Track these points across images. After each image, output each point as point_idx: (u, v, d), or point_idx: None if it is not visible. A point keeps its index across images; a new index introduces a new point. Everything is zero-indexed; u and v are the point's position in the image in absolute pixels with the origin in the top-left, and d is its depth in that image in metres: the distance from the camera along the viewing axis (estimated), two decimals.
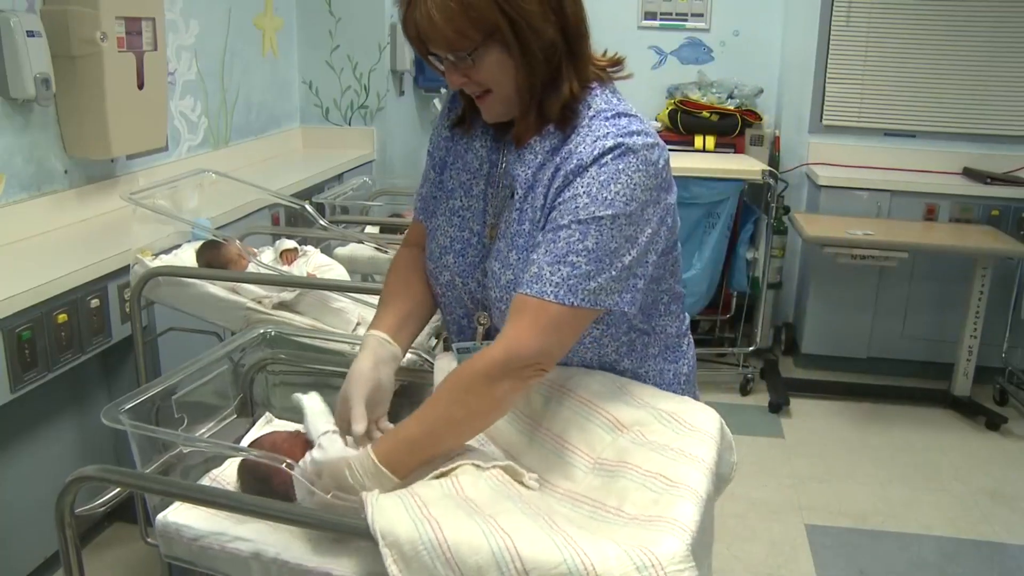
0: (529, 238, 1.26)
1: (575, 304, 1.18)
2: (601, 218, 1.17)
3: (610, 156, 1.19)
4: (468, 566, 0.99)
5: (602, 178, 1.18)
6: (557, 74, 1.22)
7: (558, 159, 1.24)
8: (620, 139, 1.19)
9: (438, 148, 1.42)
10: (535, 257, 1.21)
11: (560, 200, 1.21)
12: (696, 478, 1.15)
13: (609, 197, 1.18)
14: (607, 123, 1.22)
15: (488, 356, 1.19)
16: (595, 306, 1.20)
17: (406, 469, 1.16)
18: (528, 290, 1.19)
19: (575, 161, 1.21)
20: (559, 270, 1.18)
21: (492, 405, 1.20)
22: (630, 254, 1.20)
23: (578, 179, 1.20)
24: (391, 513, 1.05)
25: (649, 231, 1.22)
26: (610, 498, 1.16)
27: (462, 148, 1.38)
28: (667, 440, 1.23)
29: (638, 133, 1.21)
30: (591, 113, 1.24)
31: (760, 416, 3.68)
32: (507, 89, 1.22)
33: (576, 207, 1.18)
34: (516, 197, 1.29)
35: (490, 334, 1.35)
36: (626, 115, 1.24)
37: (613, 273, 1.19)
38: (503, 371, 1.17)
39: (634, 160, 1.19)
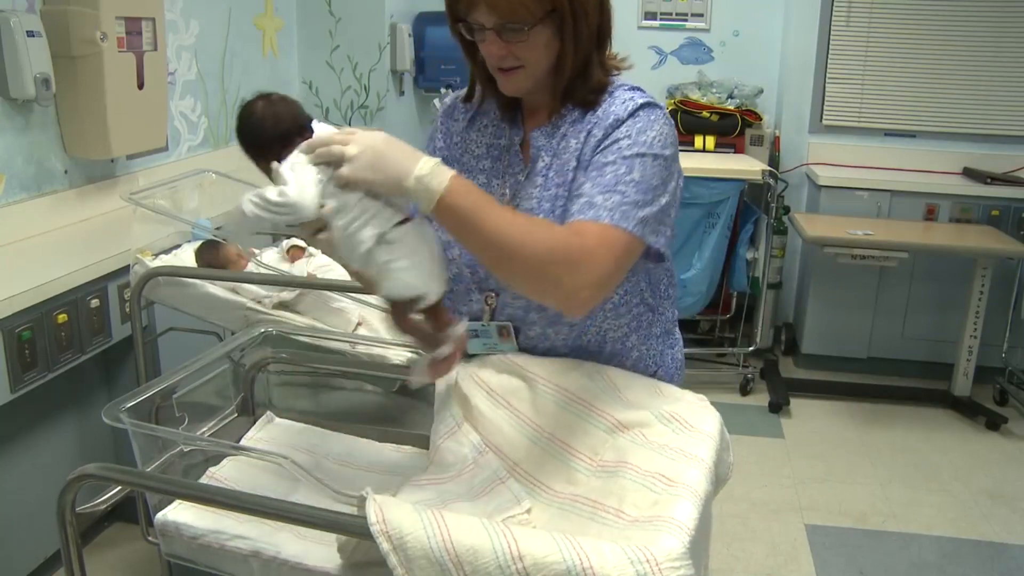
0: (558, 200, 1.31)
1: (629, 229, 1.21)
2: (644, 155, 1.26)
3: (642, 111, 1.30)
4: (469, 561, 0.99)
5: (639, 125, 1.28)
6: (588, 62, 1.30)
7: (589, 125, 1.32)
8: (647, 99, 1.32)
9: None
10: (582, 192, 1.25)
11: (601, 148, 1.28)
12: (695, 477, 1.15)
13: (647, 140, 1.27)
14: (627, 92, 1.33)
15: (580, 243, 1.17)
16: (643, 237, 1.23)
17: (443, 215, 1.14)
18: (583, 216, 1.21)
19: (612, 118, 1.30)
20: (611, 198, 1.22)
21: (542, 279, 1.17)
22: (665, 197, 1.27)
23: (616, 131, 1.29)
24: (396, 510, 1.05)
25: (677, 183, 1.31)
26: (610, 498, 1.16)
27: (459, 152, 1.43)
28: (667, 440, 1.23)
29: (655, 100, 1.34)
30: (609, 89, 1.34)
31: (760, 416, 3.68)
32: (541, 68, 1.29)
33: (619, 147, 1.27)
34: (541, 166, 1.34)
35: (496, 313, 1.38)
36: (640, 90, 1.35)
37: (655, 209, 1.25)
38: (578, 269, 1.16)
39: (661, 115, 1.31)
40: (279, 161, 1.21)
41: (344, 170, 1.15)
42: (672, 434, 1.25)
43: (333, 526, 1.11)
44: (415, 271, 1.22)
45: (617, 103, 1.31)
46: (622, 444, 1.24)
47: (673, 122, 1.35)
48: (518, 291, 1.28)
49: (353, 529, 1.08)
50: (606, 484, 1.19)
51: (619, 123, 1.28)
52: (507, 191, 1.37)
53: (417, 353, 1.75)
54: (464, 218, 1.14)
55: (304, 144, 1.19)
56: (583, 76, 1.31)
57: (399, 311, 1.27)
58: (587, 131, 1.31)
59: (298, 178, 1.18)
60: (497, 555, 0.98)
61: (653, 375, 1.44)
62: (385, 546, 1.01)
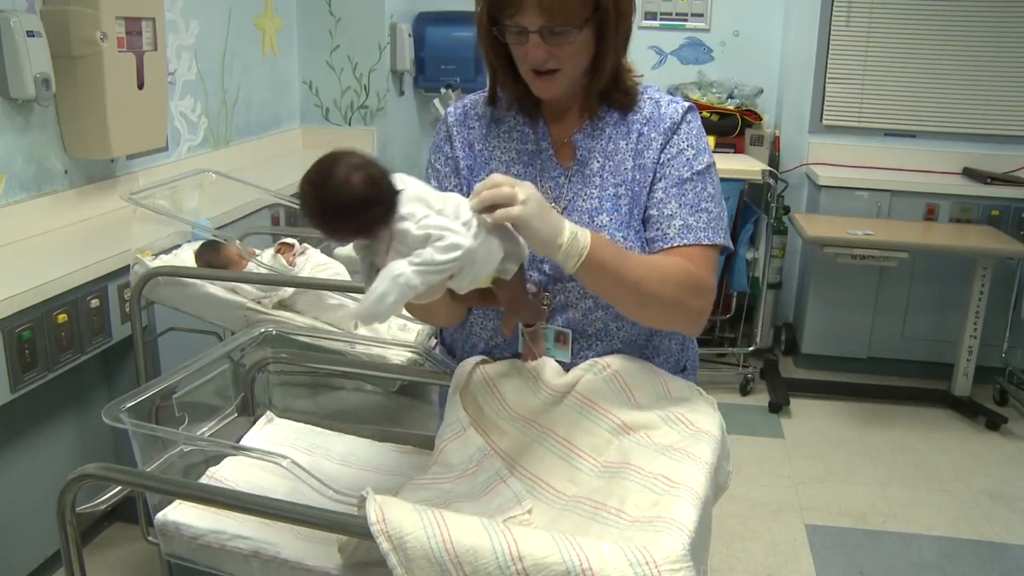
0: (622, 198, 1.34)
1: (719, 243, 1.33)
2: (710, 166, 1.36)
3: (690, 115, 1.37)
4: (469, 562, 0.99)
5: (694, 132, 1.36)
6: (618, 64, 1.33)
7: (636, 126, 1.36)
8: (686, 103, 1.37)
9: (459, 171, 1.41)
10: (671, 212, 1.32)
11: (666, 155, 1.35)
12: (696, 478, 1.15)
13: (705, 147, 1.36)
14: (658, 93, 1.40)
15: (687, 269, 1.28)
16: (726, 243, 1.35)
17: (585, 267, 1.17)
18: (683, 240, 1.31)
19: (668, 121, 1.36)
20: (700, 217, 1.32)
21: (676, 306, 1.27)
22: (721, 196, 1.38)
23: (675, 136, 1.35)
24: (396, 510, 1.05)
25: None
26: (611, 499, 1.16)
27: (483, 159, 1.40)
28: (671, 441, 1.23)
29: None
30: (639, 89, 1.39)
31: (760, 416, 3.68)
32: (578, 70, 1.30)
33: (688, 159, 1.34)
34: (595, 167, 1.36)
35: (553, 315, 1.36)
36: (657, 88, 1.41)
37: (724, 212, 1.37)
38: (698, 287, 1.28)
39: (700, 119, 1.39)
40: (383, 226, 1.14)
41: (516, 211, 1.11)
42: (676, 435, 1.25)
43: (333, 526, 1.11)
44: (508, 233, 1.20)
45: (664, 104, 1.37)
46: (627, 446, 1.24)
47: None
48: (648, 323, 1.34)
49: (353, 529, 1.08)
50: (608, 485, 1.19)
51: (675, 126, 1.35)
52: (547, 195, 1.36)
53: (417, 353, 1.75)
54: (610, 268, 1.20)
55: (478, 185, 1.13)
56: (614, 78, 1.34)
57: (515, 287, 1.26)
58: (637, 132, 1.36)
59: (448, 224, 1.13)
60: (497, 555, 0.98)
61: (683, 368, 1.47)
62: (385, 546, 1.01)
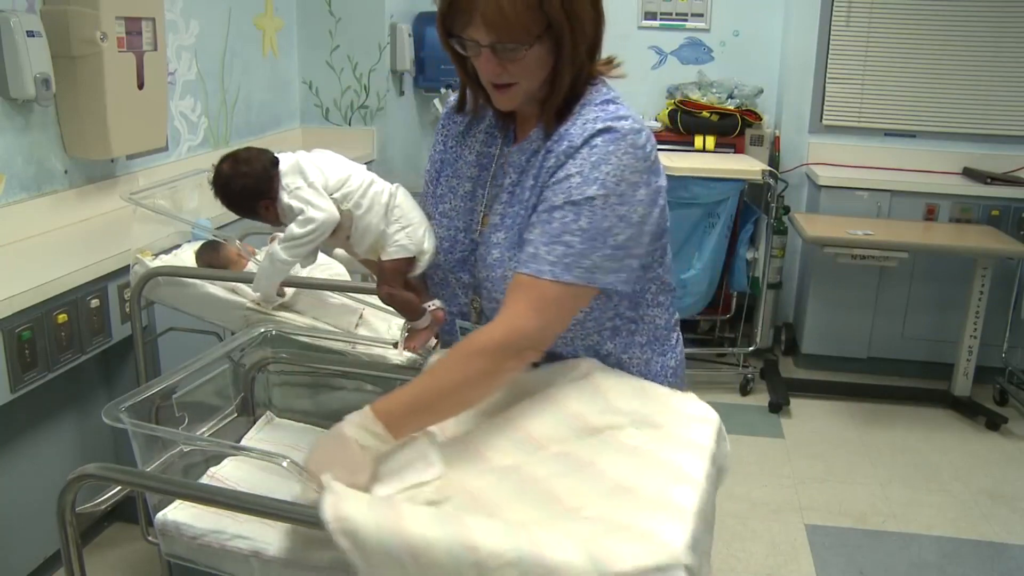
0: (517, 218, 1.30)
1: (570, 281, 1.21)
2: (593, 198, 1.21)
3: (600, 139, 1.23)
4: (422, 552, 0.99)
5: (593, 159, 1.23)
6: (578, 77, 1.27)
7: (549, 143, 1.29)
8: (608, 123, 1.24)
9: (434, 163, 1.47)
10: (531, 238, 1.24)
11: (553, 180, 1.25)
12: (688, 494, 1.12)
13: (600, 177, 1.22)
14: (596, 108, 1.28)
15: (489, 334, 1.22)
16: (590, 283, 1.23)
17: (401, 430, 1.19)
18: (525, 269, 1.23)
19: (566, 143, 1.26)
20: (555, 249, 1.22)
21: (490, 380, 1.23)
22: (624, 233, 1.24)
23: (570, 161, 1.24)
24: (351, 502, 1.05)
25: (641, 211, 1.25)
26: (569, 496, 1.13)
27: (452, 156, 1.43)
28: (640, 442, 1.22)
29: (624, 118, 1.26)
30: (582, 101, 1.29)
31: (760, 416, 3.68)
32: (535, 84, 1.26)
33: (569, 187, 1.23)
34: (507, 182, 1.34)
35: (482, 315, 1.39)
36: (613, 102, 1.29)
37: (607, 251, 1.23)
38: (504, 350, 1.21)
39: (623, 143, 1.23)
40: (273, 199, 1.38)
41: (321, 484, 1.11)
42: (645, 437, 1.23)
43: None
44: (413, 231, 1.37)
45: (577, 124, 1.26)
46: (594, 445, 1.21)
47: (643, 138, 1.26)
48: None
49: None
50: (568, 481, 1.16)
51: (573, 151, 1.24)
52: (488, 203, 1.37)
53: (418, 352, 1.75)
54: (414, 417, 1.20)
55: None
56: (574, 91, 1.29)
57: (392, 277, 1.39)
58: (547, 150, 1.29)
59: (311, 197, 1.33)
60: (450, 547, 0.98)
61: None
62: (339, 539, 1.02)
